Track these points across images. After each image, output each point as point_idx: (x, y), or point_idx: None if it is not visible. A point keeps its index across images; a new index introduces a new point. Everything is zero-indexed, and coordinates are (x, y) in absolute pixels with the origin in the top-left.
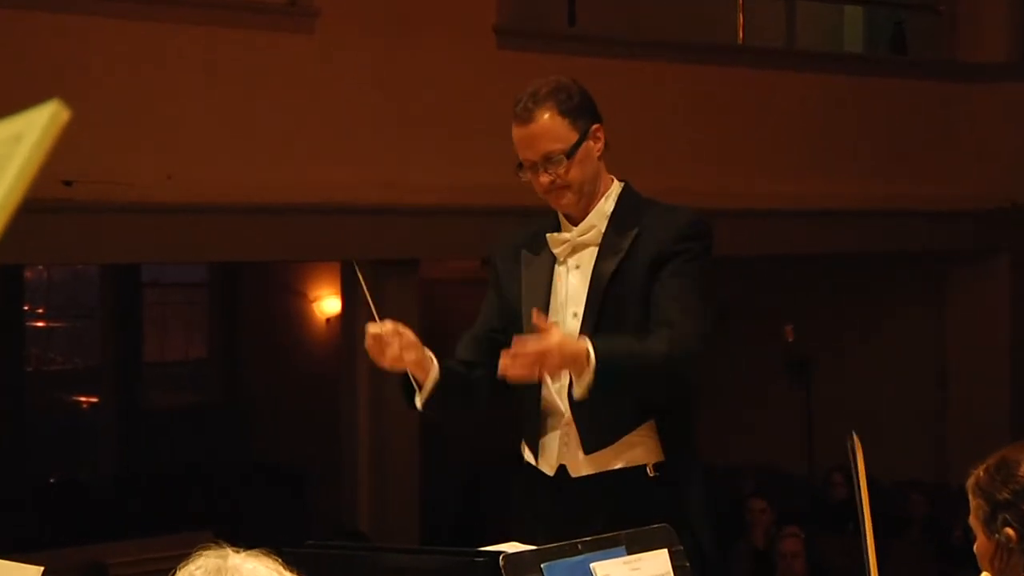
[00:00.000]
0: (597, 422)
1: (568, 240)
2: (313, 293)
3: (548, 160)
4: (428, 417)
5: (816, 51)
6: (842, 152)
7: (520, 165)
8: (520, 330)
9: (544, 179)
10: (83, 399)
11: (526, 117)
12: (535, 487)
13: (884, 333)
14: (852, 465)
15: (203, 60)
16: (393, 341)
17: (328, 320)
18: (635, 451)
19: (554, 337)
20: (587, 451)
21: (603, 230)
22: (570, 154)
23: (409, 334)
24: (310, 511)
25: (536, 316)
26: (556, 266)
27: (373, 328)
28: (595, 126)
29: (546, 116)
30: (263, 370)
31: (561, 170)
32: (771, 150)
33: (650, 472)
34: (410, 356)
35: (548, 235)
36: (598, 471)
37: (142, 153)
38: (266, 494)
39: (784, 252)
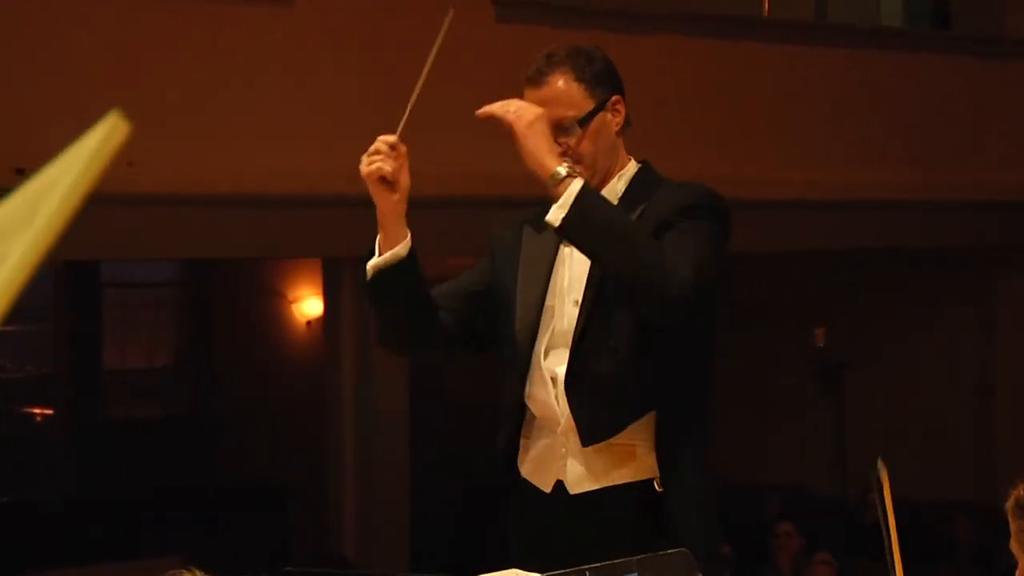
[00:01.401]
0: (596, 411)
1: None
2: (293, 293)
3: (559, 128)
4: (384, 331)
5: (849, 25)
6: (878, 137)
7: None
8: (513, 311)
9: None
10: (36, 410)
11: (538, 80)
12: (530, 505)
13: (924, 337)
14: (878, 497)
15: (167, 36)
16: (400, 159)
17: (309, 323)
18: (639, 461)
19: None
20: (585, 442)
21: None
22: (583, 122)
23: (408, 177)
24: (290, 534)
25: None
26: (561, 247)
27: (390, 137)
28: (615, 97)
29: (560, 81)
30: (237, 379)
31: (573, 140)
32: (799, 134)
33: (657, 486)
34: (395, 196)
35: None
36: (599, 486)
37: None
38: (241, 516)
39: (813, 247)
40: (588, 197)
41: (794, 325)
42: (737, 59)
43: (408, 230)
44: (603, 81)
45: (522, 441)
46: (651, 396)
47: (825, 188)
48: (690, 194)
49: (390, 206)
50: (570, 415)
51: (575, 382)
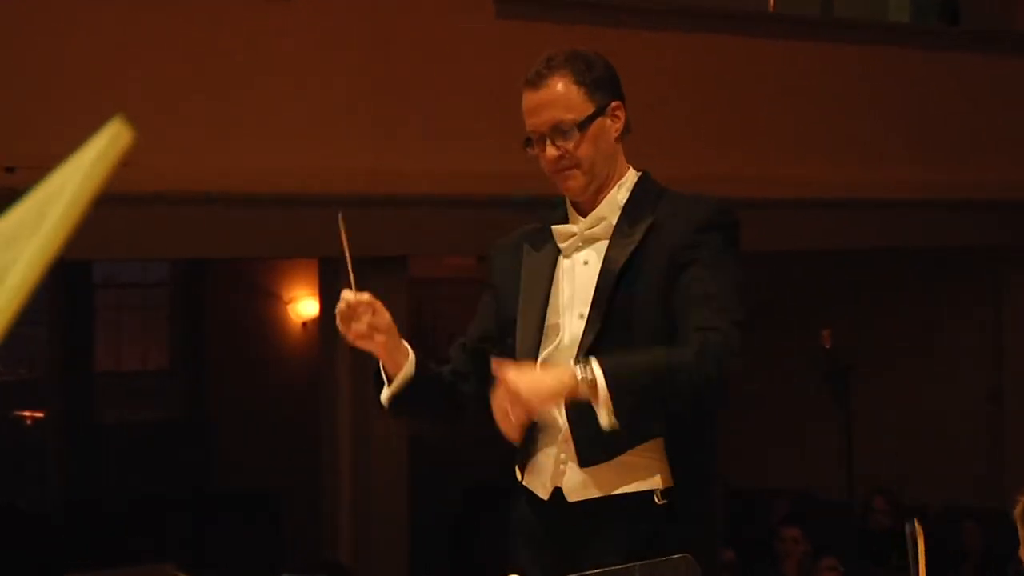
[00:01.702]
0: (596, 432)
1: (576, 233)
2: (288, 294)
3: (557, 131)
4: (411, 429)
5: (856, 20)
6: (885, 134)
7: (528, 140)
8: (515, 333)
9: (551, 153)
10: (27, 414)
11: (537, 82)
12: (529, 511)
13: (934, 339)
14: (911, 556)
15: (163, 35)
16: (363, 314)
17: (305, 324)
18: (640, 473)
19: (517, 378)
20: (582, 464)
21: (614, 222)
22: (582, 126)
23: (384, 315)
24: (285, 541)
25: (494, 366)
26: (560, 259)
27: (347, 295)
28: (615, 103)
29: (560, 83)
30: (232, 381)
31: (571, 144)
32: (803, 132)
33: (657, 499)
34: (380, 338)
35: (553, 227)
36: (597, 496)
37: (92, 136)
38: (235, 522)
39: (820, 247)
40: (616, 383)
41: (799, 326)
42: (741, 55)
43: (407, 346)
44: (603, 86)
45: (525, 448)
46: (656, 422)
47: (831, 186)
48: (703, 212)
49: (380, 348)
50: (569, 421)
51: (578, 403)
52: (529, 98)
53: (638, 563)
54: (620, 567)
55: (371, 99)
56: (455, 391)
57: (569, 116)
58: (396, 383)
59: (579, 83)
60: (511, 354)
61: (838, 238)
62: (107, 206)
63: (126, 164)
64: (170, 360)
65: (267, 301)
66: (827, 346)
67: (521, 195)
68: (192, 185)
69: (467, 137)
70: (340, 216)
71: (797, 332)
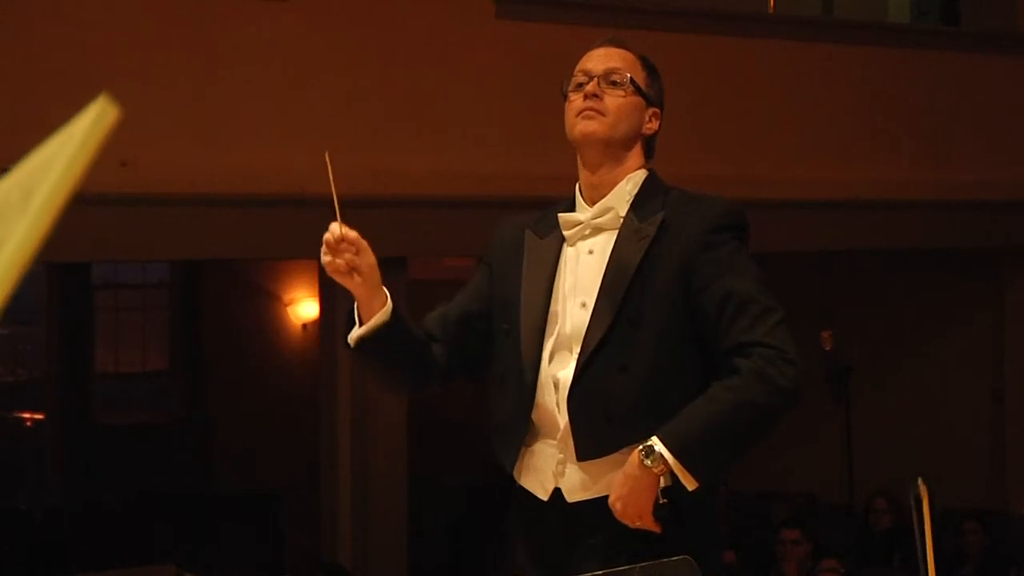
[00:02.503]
0: (596, 427)
1: (582, 221)
2: (288, 295)
3: (609, 78)
4: (377, 381)
5: (857, 21)
6: (886, 135)
7: (566, 90)
8: (516, 318)
9: (591, 88)
10: (26, 415)
11: (614, 43)
12: (530, 514)
13: (935, 341)
14: (915, 518)
15: (161, 34)
16: (345, 251)
17: (305, 326)
18: None
19: (619, 506)
20: (580, 457)
21: (622, 214)
22: (635, 86)
23: (368, 257)
24: (284, 542)
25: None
26: (565, 247)
27: (335, 227)
28: (657, 109)
29: (632, 56)
30: (231, 383)
31: (612, 96)
32: (805, 133)
33: (660, 499)
34: (358, 279)
35: (560, 214)
36: (597, 495)
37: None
38: (235, 523)
39: (820, 248)
40: (683, 446)
41: (800, 328)
42: (741, 56)
43: (386, 293)
44: (658, 89)
45: (522, 450)
46: (657, 416)
47: (831, 187)
48: (717, 212)
49: (357, 288)
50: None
51: (578, 393)
52: (599, 49)
53: (639, 565)
54: (622, 568)
55: (370, 100)
56: (425, 352)
57: (628, 72)
58: (367, 327)
59: (645, 67)
60: (507, 336)
61: (838, 239)
62: (107, 207)
63: (125, 165)
64: (169, 361)
65: (267, 302)
66: (828, 348)
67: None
68: (192, 186)
69: (466, 138)
70: (327, 155)
71: (797, 333)
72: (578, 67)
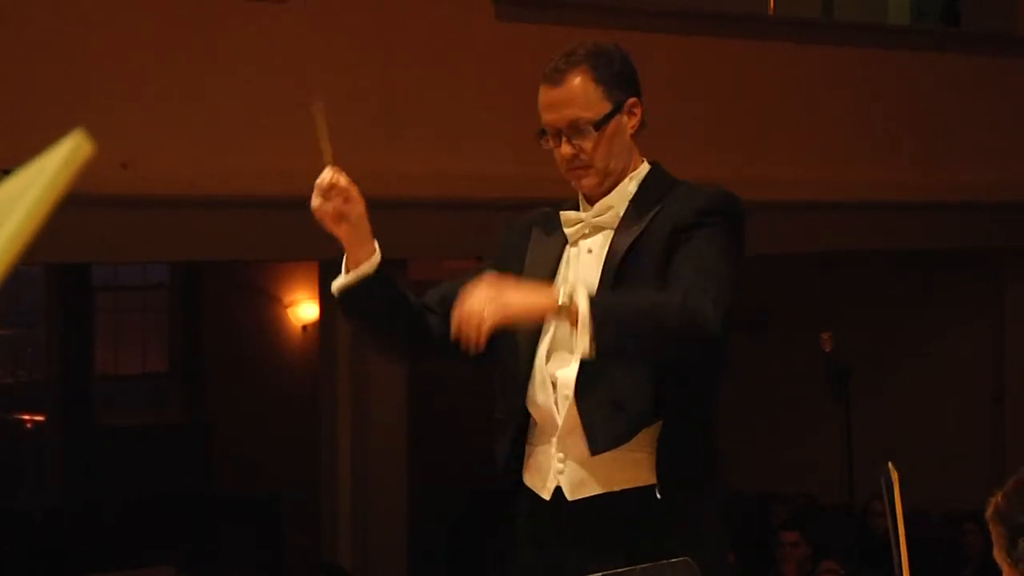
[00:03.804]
0: (607, 419)
1: (583, 221)
2: (288, 297)
3: (574, 129)
4: (375, 346)
5: (857, 23)
6: (886, 136)
7: (542, 131)
8: None
9: (566, 151)
10: (27, 417)
11: (556, 79)
12: (531, 513)
13: (934, 342)
14: (887, 503)
15: (160, 31)
16: (335, 197)
17: (305, 328)
18: (639, 468)
19: (497, 281)
20: (594, 450)
21: (621, 212)
22: (599, 125)
23: (357, 206)
24: (284, 543)
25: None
26: (567, 247)
27: (327, 173)
28: (632, 100)
29: (578, 80)
30: (231, 385)
31: (588, 144)
32: (805, 134)
33: (659, 494)
34: (345, 227)
35: (562, 213)
36: (598, 492)
37: (92, 138)
38: (235, 525)
39: (821, 249)
40: (599, 310)
41: (800, 329)
42: (741, 57)
43: (375, 246)
44: (621, 83)
45: (526, 448)
46: (661, 403)
47: (831, 188)
48: (707, 197)
49: (344, 235)
50: (570, 420)
51: (586, 388)
52: (547, 94)
53: (638, 566)
54: (622, 570)
55: (371, 101)
56: (421, 319)
57: (586, 115)
58: (351, 275)
59: (597, 80)
60: (509, 334)
61: (839, 240)
62: (107, 208)
63: (125, 167)
64: (169, 363)
65: (267, 304)
66: (827, 349)
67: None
68: (192, 188)
69: (467, 139)
70: (318, 105)
71: (797, 335)
72: (540, 110)
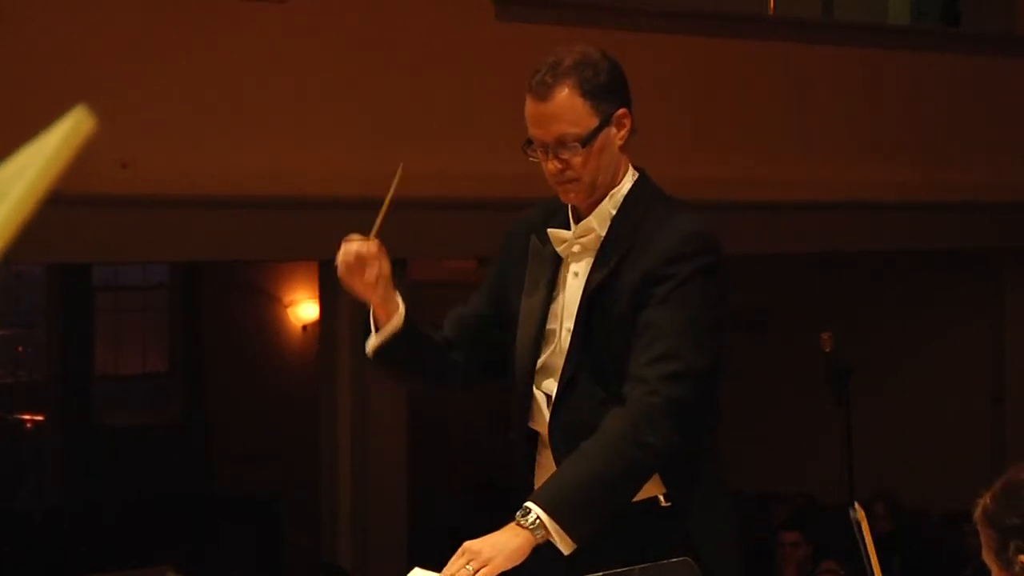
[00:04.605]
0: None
1: (568, 240)
2: (288, 297)
3: (560, 144)
4: (400, 384)
5: (857, 23)
6: (886, 136)
7: (529, 142)
8: (515, 333)
9: (553, 166)
10: (27, 417)
11: (542, 93)
12: None
13: (935, 342)
14: (859, 539)
15: (160, 32)
16: (373, 265)
17: (305, 328)
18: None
19: (479, 542)
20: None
21: (603, 234)
22: (586, 142)
23: (388, 264)
24: (284, 544)
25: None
26: (561, 270)
27: (358, 246)
28: (621, 111)
29: (564, 94)
30: (231, 385)
31: (575, 159)
32: (805, 134)
33: (663, 502)
34: (380, 288)
35: (549, 231)
36: None
37: (92, 138)
38: (235, 525)
39: (821, 250)
40: (561, 513)
41: (799, 330)
42: (741, 57)
43: (399, 299)
44: (609, 94)
45: (534, 459)
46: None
47: (831, 188)
48: (678, 239)
49: (371, 297)
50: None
51: (558, 428)
52: (533, 107)
53: (638, 566)
54: (621, 570)
55: (370, 101)
56: (446, 356)
57: (573, 130)
58: (384, 333)
59: (584, 94)
60: (511, 345)
61: (838, 241)
62: (107, 208)
63: (125, 167)
64: (169, 363)
65: (267, 304)
66: (827, 349)
67: None
68: (192, 188)
69: (467, 139)
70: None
71: (797, 335)
72: (527, 123)
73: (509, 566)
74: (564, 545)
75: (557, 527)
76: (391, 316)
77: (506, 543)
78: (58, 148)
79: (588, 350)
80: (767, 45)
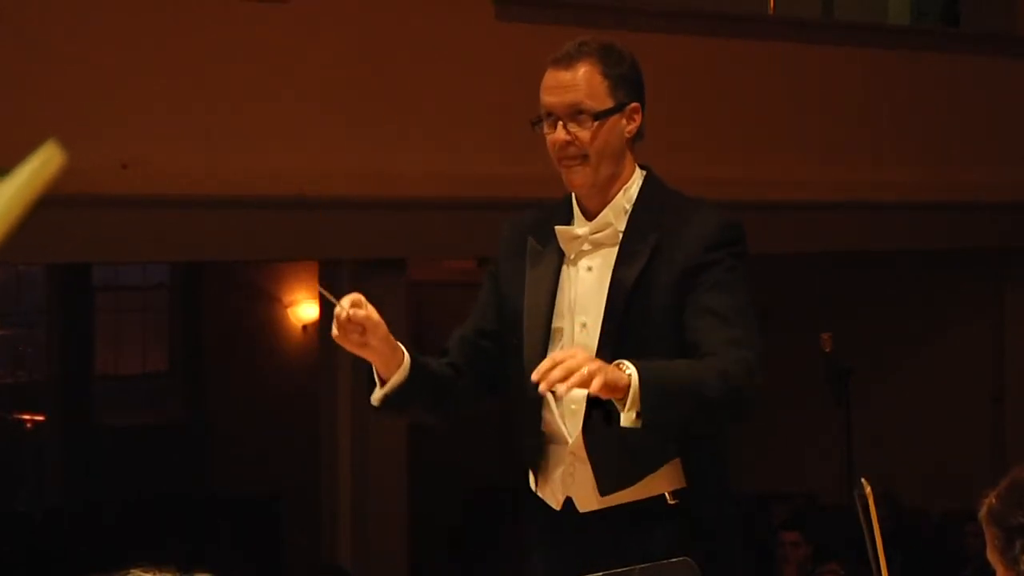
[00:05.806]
0: (616, 460)
1: (580, 236)
2: (288, 297)
3: (573, 114)
4: (405, 420)
5: (857, 23)
6: (886, 136)
7: (538, 119)
8: (520, 334)
9: (561, 136)
10: (26, 417)
11: (566, 62)
12: (543, 521)
13: (935, 342)
14: (863, 519)
15: (161, 32)
16: (352, 332)
17: (305, 327)
18: (655, 481)
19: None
20: (603, 492)
21: (621, 229)
22: (599, 116)
23: (379, 328)
24: (284, 544)
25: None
26: (565, 266)
27: (343, 312)
28: (634, 104)
29: (586, 67)
30: (231, 385)
31: (584, 133)
32: (805, 134)
33: (669, 500)
34: (374, 343)
35: (557, 228)
36: (610, 506)
37: (92, 139)
38: (235, 525)
39: (821, 249)
40: (649, 386)
41: (800, 329)
42: (741, 57)
43: (402, 350)
44: (627, 85)
45: (539, 462)
46: (673, 445)
47: (831, 188)
48: (715, 228)
49: (370, 355)
50: (577, 433)
51: (594, 431)
52: (553, 76)
53: (638, 566)
54: (621, 570)
55: (371, 101)
56: (451, 385)
57: (588, 103)
58: (388, 386)
59: (605, 75)
60: (516, 353)
61: (838, 239)
62: (108, 209)
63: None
64: (169, 363)
65: (267, 304)
66: (827, 349)
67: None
68: (192, 188)
69: (466, 140)
70: (321, 290)
71: (797, 335)
72: (541, 93)
73: (590, 371)
74: (628, 416)
75: (637, 392)
76: (394, 369)
77: (601, 368)
78: (26, 181)
79: (622, 342)
80: (767, 45)
